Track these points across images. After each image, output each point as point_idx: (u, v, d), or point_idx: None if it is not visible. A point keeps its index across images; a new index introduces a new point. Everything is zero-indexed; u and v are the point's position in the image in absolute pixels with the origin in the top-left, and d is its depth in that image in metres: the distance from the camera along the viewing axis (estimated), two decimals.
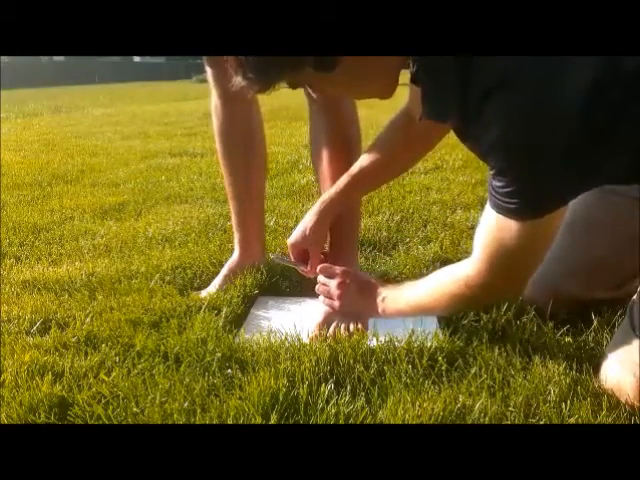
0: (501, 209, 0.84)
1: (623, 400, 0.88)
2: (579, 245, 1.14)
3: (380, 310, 1.12)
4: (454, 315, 1.13)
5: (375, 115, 3.72)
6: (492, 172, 0.83)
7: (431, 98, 0.85)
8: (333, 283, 1.17)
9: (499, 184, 0.82)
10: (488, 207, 0.88)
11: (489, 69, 0.77)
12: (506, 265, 0.91)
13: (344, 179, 1.22)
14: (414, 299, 1.07)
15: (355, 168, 1.21)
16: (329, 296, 1.18)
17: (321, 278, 1.21)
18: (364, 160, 1.21)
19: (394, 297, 1.10)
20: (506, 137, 0.78)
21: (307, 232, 1.23)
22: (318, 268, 1.22)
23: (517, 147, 0.78)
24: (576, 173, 0.79)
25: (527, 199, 0.81)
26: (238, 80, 0.85)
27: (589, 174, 0.81)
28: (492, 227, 0.89)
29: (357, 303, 1.15)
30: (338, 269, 1.20)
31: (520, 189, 0.81)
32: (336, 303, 1.17)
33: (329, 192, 1.23)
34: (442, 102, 0.84)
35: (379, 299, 1.12)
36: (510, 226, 0.85)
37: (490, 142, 0.79)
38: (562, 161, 0.77)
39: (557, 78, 0.75)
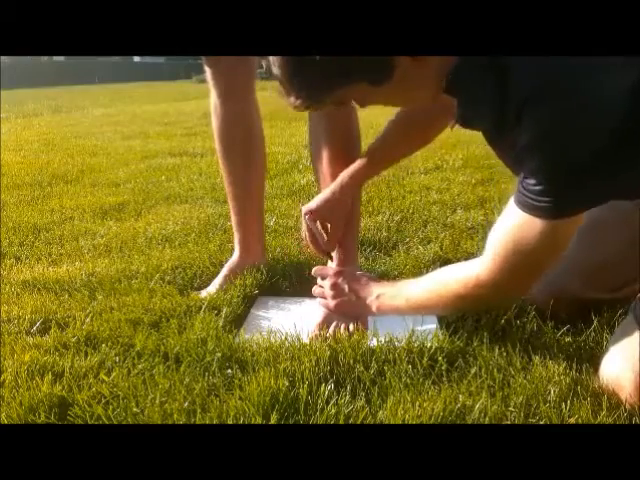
0: (530, 207, 0.85)
1: (622, 396, 0.87)
2: (585, 245, 1.13)
3: (374, 308, 1.11)
4: (454, 315, 1.13)
5: (374, 115, 3.72)
6: (525, 170, 0.84)
7: (467, 107, 0.87)
8: (327, 284, 1.18)
9: (532, 182, 0.83)
10: (512, 206, 0.89)
11: (529, 75, 0.79)
12: (521, 265, 0.91)
13: (373, 149, 1.23)
14: (414, 297, 1.06)
15: (378, 144, 1.22)
16: (324, 297, 1.19)
17: (318, 279, 1.21)
18: (388, 130, 1.22)
19: (391, 295, 1.10)
20: (546, 137, 0.79)
21: (333, 203, 1.21)
22: (313, 270, 1.23)
23: (557, 146, 0.79)
24: (611, 174, 0.80)
25: (561, 198, 0.82)
26: (291, 100, 0.84)
27: (623, 175, 0.81)
28: (514, 226, 0.89)
29: (351, 302, 1.15)
30: (331, 269, 1.20)
31: (555, 188, 0.82)
32: (331, 303, 1.17)
33: (353, 167, 1.22)
34: (478, 111, 0.86)
35: (373, 297, 1.11)
36: (535, 225, 0.86)
37: (528, 142, 0.80)
38: (599, 161, 0.79)
39: (598, 80, 0.76)
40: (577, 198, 0.83)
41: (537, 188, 0.83)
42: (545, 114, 0.78)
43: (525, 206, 0.86)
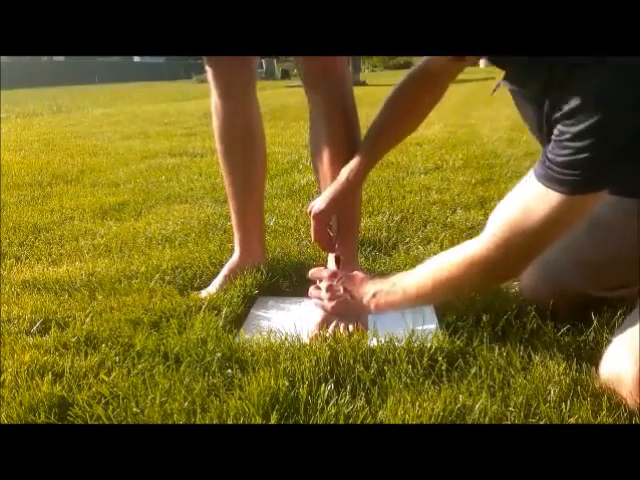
0: (551, 180, 0.85)
1: (623, 391, 0.87)
2: (591, 243, 1.13)
3: (372, 307, 1.11)
4: (454, 315, 1.13)
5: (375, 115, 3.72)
6: (558, 139, 0.83)
7: (519, 69, 0.86)
8: (323, 285, 1.17)
9: (563, 152, 0.82)
10: (526, 180, 0.88)
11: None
12: (523, 241, 0.91)
13: (367, 142, 1.22)
14: (411, 287, 1.06)
15: (376, 126, 1.21)
16: (320, 299, 1.18)
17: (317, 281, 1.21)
18: (383, 116, 1.21)
19: (387, 290, 1.09)
20: (595, 105, 0.78)
21: (339, 200, 1.18)
22: (309, 273, 1.22)
23: (604, 116, 0.78)
24: None
25: (591, 171, 0.82)
26: None
27: None
28: (526, 201, 0.89)
29: (347, 303, 1.14)
30: (325, 272, 1.20)
31: (588, 159, 0.80)
32: (327, 306, 1.16)
33: (352, 162, 1.20)
34: (528, 72, 0.85)
35: (369, 296, 1.11)
36: (549, 199, 0.85)
37: (574, 108, 0.80)
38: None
39: None
40: (607, 174, 0.82)
41: (568, 159, 0.81)
42: (598, 80, 0.77)
43: (546, 179, 0.85)
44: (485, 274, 0.98)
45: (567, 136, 0.82)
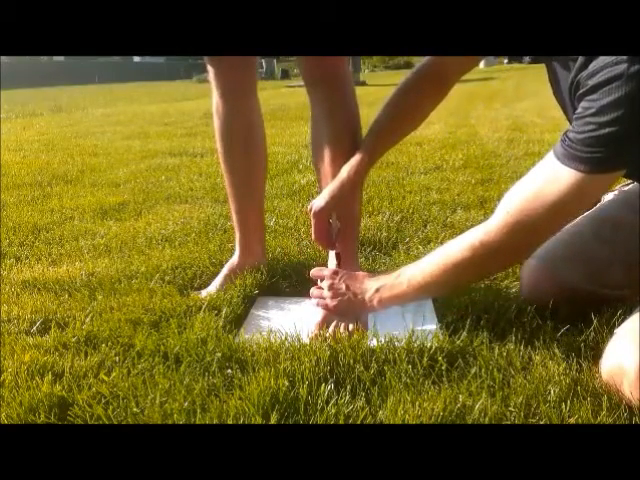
0: (571, 158, 0.84)
1: (625, 384, 0.86)
2: (598, 240, 1.13)
3: (376, 302, 1.10)
4: (454, 315, 1.13)
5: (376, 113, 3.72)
6: (581, 115, 0.82)
7: None
8: (325, 284, 1.17)
9: (585, 128, 0.81)
10: (547, 159, 0.88)
11: None
12: (533, 222, 0.90)
13: (368, 139, 1.22)
14: (415, 278, 1.05)
15: (379, 124, 1.21)
16: (322, 298, 1.18)
17: (317, 281, 1.21)
18: (386, 114, 1.21)
19: (391, 284, 1.09)
20: (624, 75, 0.77)
21: (340, 197, 1.17)
22: (311, 273, 1.22)
23: (631, 87, 0.76)
24: None
25: (611, 147, 0.81)
26: None
27: None
28: (542, 179, 0.88)
29: (350, 301, 1.14)
30: (327, 271, 1.20)
31: (610, 134, 0.80)
32: (330, 305, 1.16)
33: (354, 159, 1.20)
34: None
35: (372, 292, 1.11)
36: (568, 178, 0.85)
37: (601, 80, 0.79)
38: None
39: None
40: (627, 152, 0.81)
41: (591, 135, 0.81)
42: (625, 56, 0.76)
43: (565, 157, 0.85)
44: (491, 258, 0.97)
45: (591, 111, 0.81)
